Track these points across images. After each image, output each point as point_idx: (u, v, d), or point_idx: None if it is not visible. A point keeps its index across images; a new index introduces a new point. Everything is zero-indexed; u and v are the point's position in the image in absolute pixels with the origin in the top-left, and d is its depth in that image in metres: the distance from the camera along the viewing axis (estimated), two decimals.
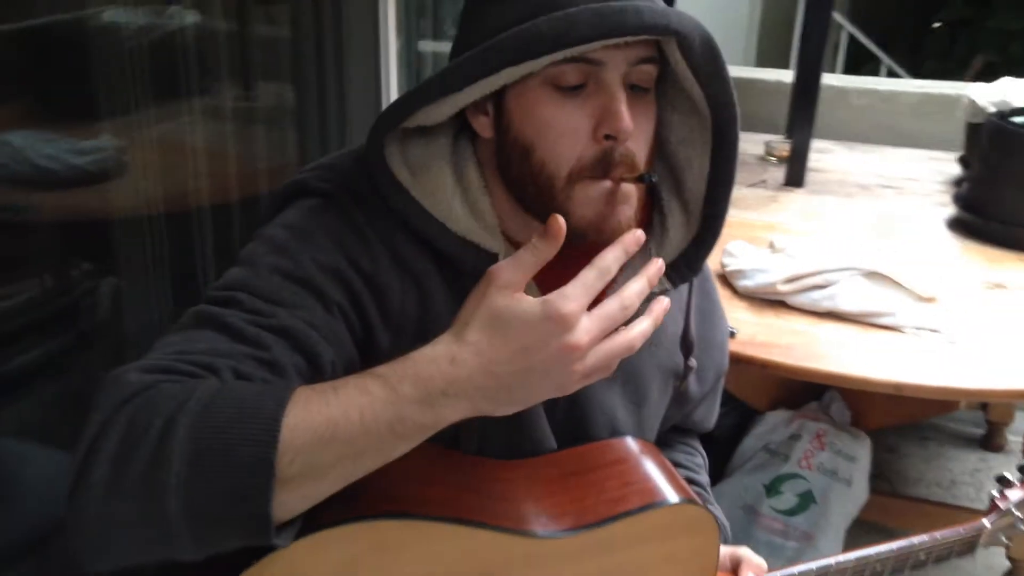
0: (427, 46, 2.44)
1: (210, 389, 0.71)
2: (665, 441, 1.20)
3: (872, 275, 1.69)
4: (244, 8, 1.96)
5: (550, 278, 0.91)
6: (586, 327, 0.71)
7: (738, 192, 2.44)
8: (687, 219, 0.97)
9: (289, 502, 0.70)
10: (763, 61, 5.25)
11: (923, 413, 2.44)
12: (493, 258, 0.90)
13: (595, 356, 0.72)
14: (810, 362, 1.51)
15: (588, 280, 0.73)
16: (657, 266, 0.77)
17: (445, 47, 2.56)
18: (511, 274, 0.73)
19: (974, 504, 2.54)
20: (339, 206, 0.90)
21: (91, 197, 1.68)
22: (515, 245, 0.92)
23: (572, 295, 0.71)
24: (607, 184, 0.87)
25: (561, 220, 0.74)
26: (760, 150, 2.67)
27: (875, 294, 1.67)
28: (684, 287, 1.05)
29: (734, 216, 2.18)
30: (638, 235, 0.76)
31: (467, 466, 0.92)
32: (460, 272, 0.90)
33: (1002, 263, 1.92)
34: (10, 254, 1.62)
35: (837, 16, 4.65)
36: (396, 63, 1.87)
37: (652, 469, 0.99)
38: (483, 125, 0.91)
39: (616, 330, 0.74)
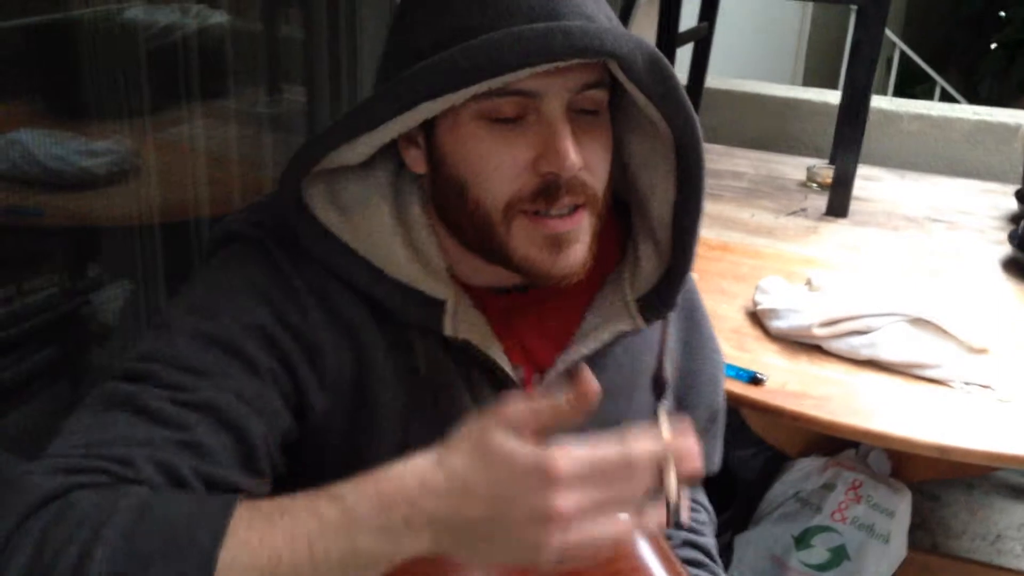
0: None
1: (131, 510, 0.61)
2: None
3: (918, 322, 1.55)
4: (268, 10, 1.90)
5: (520, 326, 0.85)
6: (574, 496, 0.58)
7: (775, 221, 2.32)
8: (656, 249, 0.89)
9: None
10: (811, 82, 5.11)
11: (973, 470, 2.28)
12: (439, 306, 0.82)
13: (580, 533, 0.58)
14: (846, 417, 1.38)
15: (601, 457, 0.59)
16: (692, 468, 0.61)
17: None
18: (523, 414, 0.61)
19: (1020, 562, 2.39)
20: (263, 253, 0.81)
21: (98, 201, 1.63)
22: (467, 289, 0.85)
23: (574, 458, 0.58)
24: (548, 230, 0.79)
25: (592, 382, 0.61)
26: (801, 175, 2.52)
27: (921, 343, 1.53)
28: (658, 323, 0.95)
29: (769, 247, 2.09)
30: (688, 445, 0.61)
31: None
32: (400, 324, 0.82)
33: None
34: (22, 256, 1.57)
35: (889, 33, 4.48)
36: None
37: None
38: (415, 159, 0.82)
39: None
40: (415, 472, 0.61)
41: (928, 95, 4.47)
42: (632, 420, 0.96)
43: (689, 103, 0.79)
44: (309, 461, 0.81)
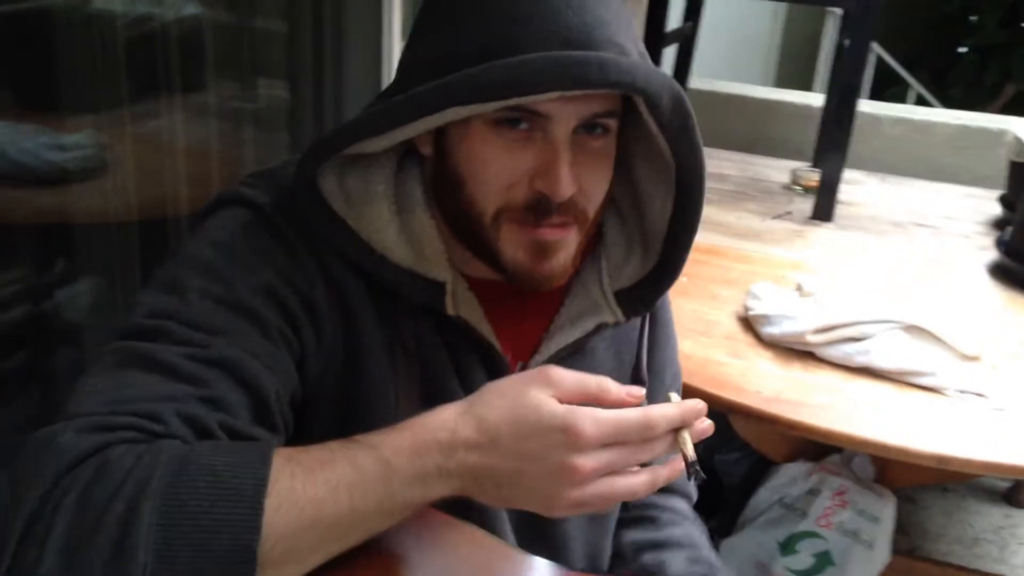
0: None
1: (173, 459, 0.63)
2: (651, 518, 1.09)
3: (912, 329, 1.54)
4: (246, 1, 1.85)
5: (507, 307, 0.90)
6: (595, 457, 0.66)
7: (762, 224, 2.31)
8: (645, 250, 0.92)
9: None
10: (783, 83, 5.12)
11: (957, 476, 2.29)
12: (440, 287, 0.85)
13: (595, 489, 0.67)
14: (843, 426, 1.37)
15: (626, 422, 0.67)
16: (704, 426, 0.71)
17: None
18: (567, 383, 0.69)
19: (997, 566, 2.40)
20: (268, 220, 0.82)
21: (67, 196, 1.58)
22: (462, 275, 0.88)
23: (600, 422, 0.66)
24: (535, 236, 0.82)
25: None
26: (785, 178, 2.51)
27: (915, 351, 1.52)
28: (638, 320, 1.00)
29: (757, 251, 2.08)
30: (700, 408, 0.70)
31: None
32: (397, 301, 0.85)
33: None
34: None
35: None
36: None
37: None
38: (423, 140, 0.84)
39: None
40: (447, 423, 0.67)
41: (900, 98, 4.49)
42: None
43: (701, 143, 0.82)
44: (301, 425, 0.82)
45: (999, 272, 1.96)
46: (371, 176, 0.84)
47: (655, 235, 0.90)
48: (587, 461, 0.65)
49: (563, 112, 0.77)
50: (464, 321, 0.86)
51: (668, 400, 0.70)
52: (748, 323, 1.64)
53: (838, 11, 4.54)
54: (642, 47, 0.80)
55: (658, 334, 1.05)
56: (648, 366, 1.02)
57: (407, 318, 0.85)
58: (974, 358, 1.55)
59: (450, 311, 0.85)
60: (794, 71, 5.02)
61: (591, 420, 0.65)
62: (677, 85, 0.78)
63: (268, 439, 0.70)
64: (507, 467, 0.66)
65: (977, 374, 1.51)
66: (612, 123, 0.82)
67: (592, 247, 0.92)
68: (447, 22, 0.79)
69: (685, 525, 1.08)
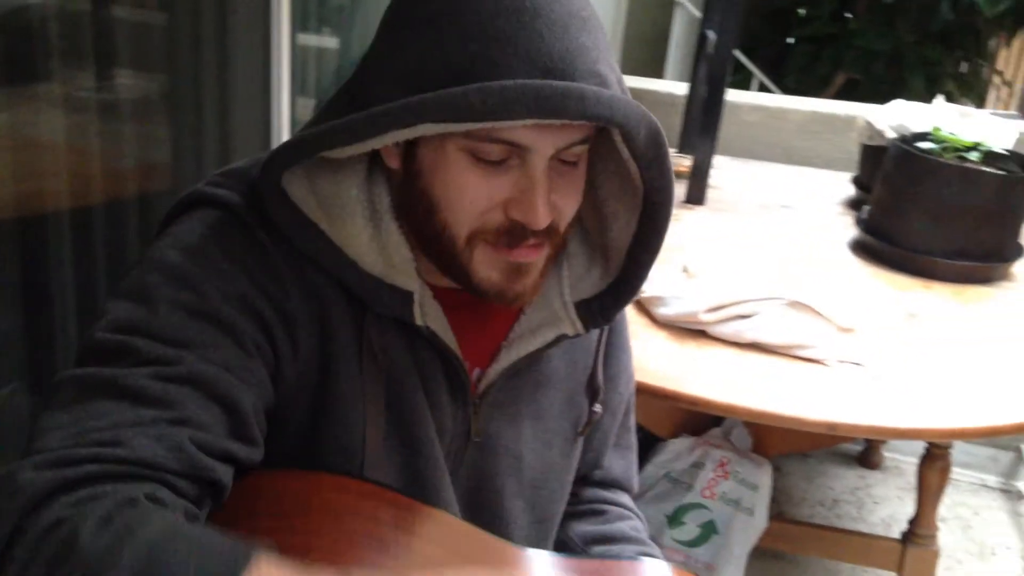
0: (309, 40, 2.26)
1: (143, 543, 0.58)
2: (600, 512, 1.11)
3: (794, 304, 1.63)
4: None
5: (466, 316, 0.88)
6: None
7: None
8: (606, 263, 0.93)
9: None
10: (630, 70, 5.24)
11: (826, 441, 2.43)
12: (408, 297, 0.85)
13: None
14: (741, 400, 1.44)
15: None
16: None
17: (327, 43, 2.40)
18: None
19: (856, 524, 2.57)
20: (239, 222, 0.80)
21: None
22: (429, 286, 0.88)
23: None
24: (510, 258, 0.82)
25: None
26: None
27: (797, 325, 1.61)
28: (595, 331, 1.00)
29: None
30: None
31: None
32: (362, 308, 0.84)
33: (911, 290, 1.90)
34: None
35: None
36: (288, 56, 1.69)
37: None
38: (390, 154, 0.82)
39: None
40: None
41: (745, 86, 4.70)
42: (567, 418, 1.01)
43: (672, 171, 0.83)
44: (272, 431, 0.81)
45: (860, 248, 2.08)
46: (343, 180, 0.83)
47: (617, 251, 0.90)
48: None
49: (542, 141, 0.77)
50: (431, 331, 0.86)
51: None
52: (640, 305, 1.69)
53: (685, 2, 4.72)
54: (619, 73, 0.81)
55: (614, 341, 1.06)
56: (604, 372, 1.04)
57: (375, 325, 0.84)
58: (849, 330, 1.65)
59: (418, 321, 0.85)
60: (641, 59, 5.15)
61: None
62: (653, 118, 0.78)
63: (251, 548, 0.63)
64: None
65: (852, 345, 1.61)
66: (584, 150, 0.82)
67: (553, 258, 0.93)
68: (422, 32, 0.77)
69: (633, 520, 1.11)
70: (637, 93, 3.04)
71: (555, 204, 0.81)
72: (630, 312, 1.68)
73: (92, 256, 1.63)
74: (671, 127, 2.75)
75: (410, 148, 0.80)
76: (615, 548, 1.05)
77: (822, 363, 1.56)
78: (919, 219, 1.94)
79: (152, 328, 0.72)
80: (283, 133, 1.74)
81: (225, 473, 0.72)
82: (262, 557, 0.59)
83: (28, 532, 0.59)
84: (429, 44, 0.75)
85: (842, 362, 1.57)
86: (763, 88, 4.76)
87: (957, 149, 1.99)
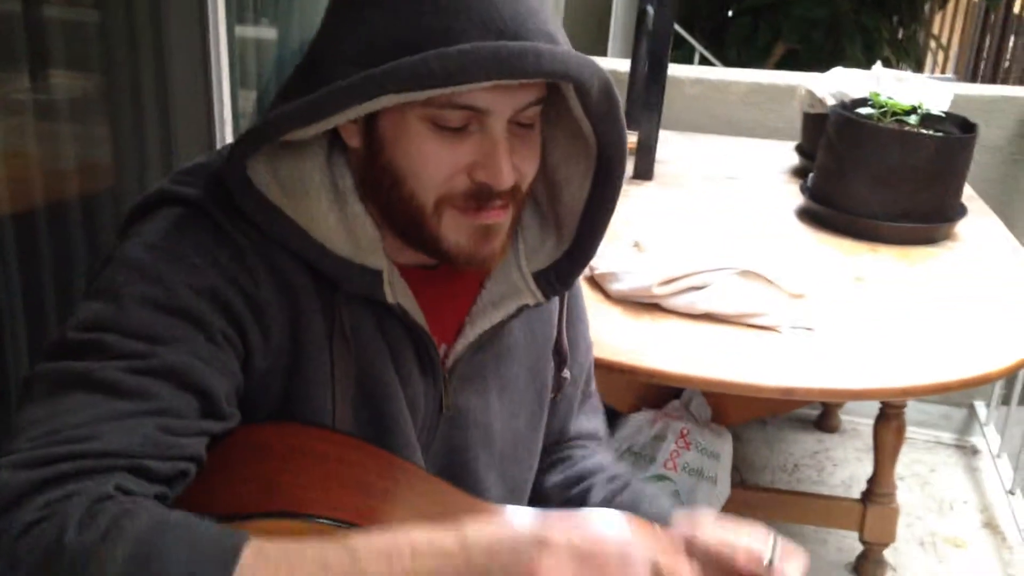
0: (247, 32, 2.23)
1: (128, 554, 0.59)
2: (566, 458, 1.14)
3: (745, 273, 1.64)
4: None
5: (429, 293, 0.91)
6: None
7: None
8: (559, 233, 0.95)
9: None
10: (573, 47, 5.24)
11: (783, 407, 2.47)
12: (377, 276, 0.86)
13: None
14: (698, 370, 1.45)
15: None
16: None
17: (265, 34, 2.37)
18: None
19: (817, 487, 2.61)
20: (207, 216, 0.80)
21: None
22: (395, 264, 0.90)
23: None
24: (478, 220, 0.84)
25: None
26: None
27: (749, 293, 1.63)
28: (555, 301, 1.03)
29: None
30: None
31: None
32: (336, 291, 0.85)
33: (857, 254, 1.93)
34: None
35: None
36: (227, 48, 1.67)
37: None
38: (350, 133, 0.84)
39: None
40: (428, 532, 0.66)
41: (687, 60, 4.72)
42: (535, 386, 1.04)
43: (624, 123, 0.86)
44: (243, 419, 0.82)
45: (806, 215, 2.11)
46: (304, 164, 0.84)
47: (569, 217, 0.93)
48: (553, 563, 0.63)
49: (500, 103, 0.80)
50: (401, 308, 0.88)
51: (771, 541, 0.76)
52: (594, 282, 1.70)
53: None
54: (565, 35, 0.83)
55: (572, 308, 1.09)
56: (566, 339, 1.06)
57: (345, 306, 0.86)
58: (799, 296, 1.68)
59: (389, 299, 0.87)
60: (585, 38, 5.17)
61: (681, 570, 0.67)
62: (604, 71, 0.81)
63: (239, 539, 0.64)
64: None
65: (803, 310, 1.64)
66: (538, 111, 0.84)
67: (516, 220, 0.95)
68: (374, 9, 0.78)
69: (597, 455, 1.14)
70: None
71: (516, 166, 0.84)
72: (584, 289, 1.70)
73: (37, 258, 1.61)
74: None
75: (370, 124, 0.82)
76: (585, 483, 1.08)
77: (775, 330, 1.58)
78: (862, 184, 1.97)
79: (122, 324, 0.73)
80: (226, 126, 1.72)
81: (201, 446, 0.74)
82: (251, 542, 0.62)
83: (4, 536, 0.59)
84: (382, 20, 0.77)
85: (794, 328, 1.59)
86: (704, 61, 4.78)
87: (896, 113, 2.02)
